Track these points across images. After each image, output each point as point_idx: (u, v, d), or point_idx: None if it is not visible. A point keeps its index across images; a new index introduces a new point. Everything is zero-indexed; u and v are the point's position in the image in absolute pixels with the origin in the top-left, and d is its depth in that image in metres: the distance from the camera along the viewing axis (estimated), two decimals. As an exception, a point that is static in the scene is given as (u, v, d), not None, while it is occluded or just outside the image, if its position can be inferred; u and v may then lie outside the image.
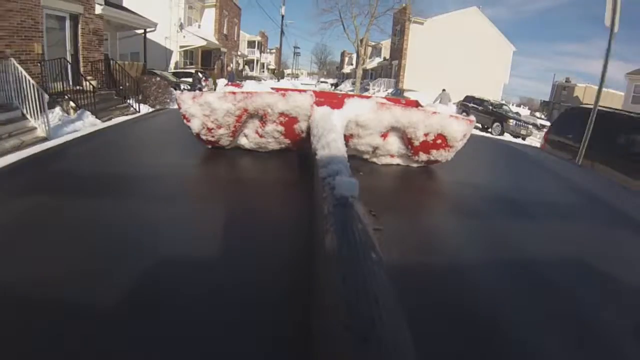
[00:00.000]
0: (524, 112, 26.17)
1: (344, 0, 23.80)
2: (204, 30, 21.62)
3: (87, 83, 8.46)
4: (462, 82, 21.59)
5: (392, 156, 1.01)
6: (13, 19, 7.11)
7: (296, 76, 54.72)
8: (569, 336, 0.44)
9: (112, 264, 0.49)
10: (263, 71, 44.63)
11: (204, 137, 0.94)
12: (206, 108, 0.89)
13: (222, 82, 14.51)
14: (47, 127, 6.52)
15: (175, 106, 0.95)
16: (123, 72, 10.18)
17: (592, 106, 5.04)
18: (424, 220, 0.76)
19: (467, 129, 0.95)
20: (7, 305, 0.41)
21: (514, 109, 21.34)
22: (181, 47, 18.71)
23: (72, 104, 8.17)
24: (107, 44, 11.28)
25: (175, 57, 18.55)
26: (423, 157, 0.97)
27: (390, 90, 21.68)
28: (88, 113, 8.04)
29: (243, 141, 0.98)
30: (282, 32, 31.17)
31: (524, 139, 12.90)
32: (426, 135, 0.92)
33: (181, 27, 18.53)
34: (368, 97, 0.97)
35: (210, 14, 23.08)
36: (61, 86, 8.04)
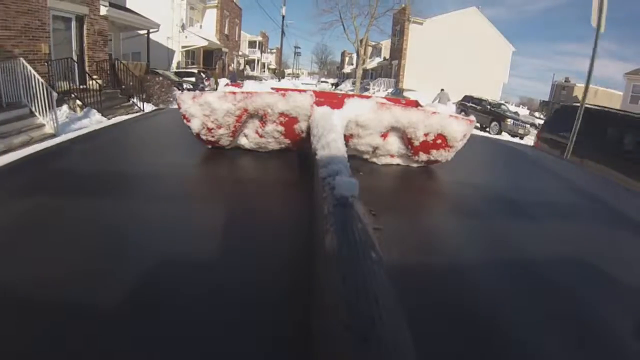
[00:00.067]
0: (523, 112, 26.30)
1: (344, 1, 23.98)
2: (206, 31, 21.75)
3: (93, 82, 8.59)
4: (462, 82, 21.67)
5: (392, 156, 1.01)
6: (21, 19, 7.23)
7: (297, 76, 54.88)
8: (569, 336, 0.44)
9: (112, 264, 0.49)
10: (264, 71, 44.77)
11: (204, 137, 0.94)
12: (206, 108, 0.89)
13: (223, 81, 14.69)
14: (55, 124, 6.65)
15: (177, 105, 0.96)
16: (127, 72, 10.31)
17: (585, 105, 5.19)
18: (424, 220, 0.76)
19: (467, 129, 0.95)
20: (8, 306, 0.41)
21: (513, 108, 21.50)
22: (183, 47, 18.81)
23: (78, 102, 8.31)
24: (111, 44, 11.39)
25: (177, 57, 18.64)
26: (423, 157, 0.97)
27: (390, 90, 21.76)
28: (94, 111, 8.17)
29: (243, 141, 0.98)
30: (282, 32, 31.26)
31: (521, 138, 12.96)
32: (426, 135, 0.92)
33: (183, 27, 18.64)
34: (368, 97, 0.97)
35: (211, 15, 23.20)
36: (68, 85, 8.19)
